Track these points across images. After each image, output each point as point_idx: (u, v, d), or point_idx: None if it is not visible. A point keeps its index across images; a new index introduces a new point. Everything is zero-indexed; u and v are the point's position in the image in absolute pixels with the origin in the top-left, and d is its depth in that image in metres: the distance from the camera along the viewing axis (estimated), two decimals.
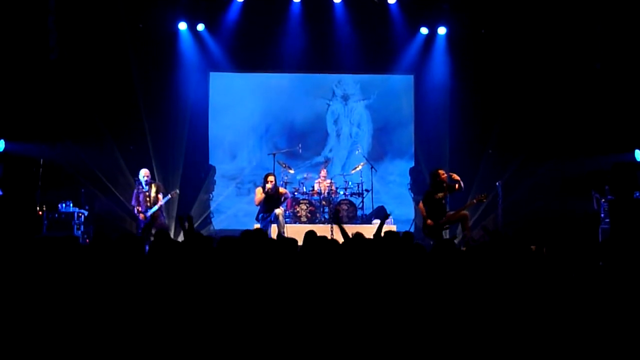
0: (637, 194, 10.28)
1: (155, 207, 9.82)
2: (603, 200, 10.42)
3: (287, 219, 10.74)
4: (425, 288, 3.46)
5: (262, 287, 3.47)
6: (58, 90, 11.16)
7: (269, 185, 9.83)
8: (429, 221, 9.27)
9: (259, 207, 10.06)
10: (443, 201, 9.33)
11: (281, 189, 10.26)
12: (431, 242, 9.28)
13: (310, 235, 4.88)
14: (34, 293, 3.35)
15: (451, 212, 9.40)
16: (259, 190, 9.94)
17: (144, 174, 9.97)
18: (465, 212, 9.42)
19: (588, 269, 3.66)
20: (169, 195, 10.17)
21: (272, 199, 9.94)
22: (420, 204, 9.45)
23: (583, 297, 3.31)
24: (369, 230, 9.16)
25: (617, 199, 10.21)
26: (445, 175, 9.43)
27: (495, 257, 3.78)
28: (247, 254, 4.03)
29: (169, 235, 4.89)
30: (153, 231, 9.59)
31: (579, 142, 11.32)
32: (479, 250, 4.12)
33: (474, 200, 9.46)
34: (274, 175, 10.11)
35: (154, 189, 9.94)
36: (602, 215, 10.33)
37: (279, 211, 9.90)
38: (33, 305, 3.25)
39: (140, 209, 9.83)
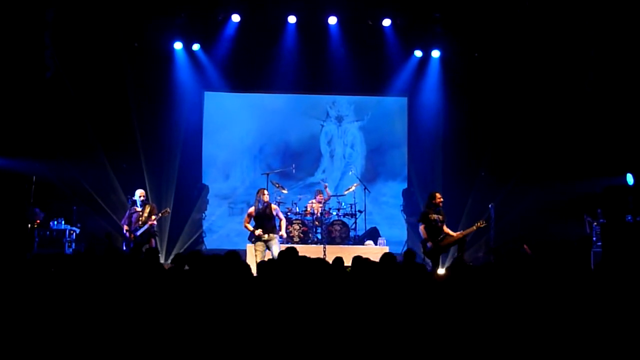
0: (629, 218, 10.31)
1: (145, 227, 9.59)
2: (595, 223, 10.43)
3: (279, 239, 10.51)
4: (432, 308, 3.45)
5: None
6: (52, 107, 11.14)
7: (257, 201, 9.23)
8: (429, 243, 9.23)
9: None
10: (439, 224, 9.28)
11: (273, 206, 9.48)
12: (428, 263, 9.29)
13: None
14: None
15: (451, 235, 9.32)
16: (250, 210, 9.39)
17: (139, 194, 9.81)
18: (465, 235, 9.38)
19: (580, 289, 3.67)
20: (159, 214, 9.98)
21: (264, 216, 9.25)
22: (422, 227, 9.38)
23: (577, 318, 3.31)
24: (361, 251, 9.17)
25: (609, 223, 10.22)
26: (441, 199, 9.41)
27: (508, 276, 3.78)
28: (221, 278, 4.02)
29: (157, 255, 4.87)
30: (144, 249, 9.51)
31: (571, 165, 11.38)
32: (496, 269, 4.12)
33: (474, 227, 9.40)
34: (263, 190, 9.38)
35: (147, 210, 9.76)
36: (594, 238, 10.34)
37: (273, 241, 9.15)
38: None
39: (128, 228, 9.67)
